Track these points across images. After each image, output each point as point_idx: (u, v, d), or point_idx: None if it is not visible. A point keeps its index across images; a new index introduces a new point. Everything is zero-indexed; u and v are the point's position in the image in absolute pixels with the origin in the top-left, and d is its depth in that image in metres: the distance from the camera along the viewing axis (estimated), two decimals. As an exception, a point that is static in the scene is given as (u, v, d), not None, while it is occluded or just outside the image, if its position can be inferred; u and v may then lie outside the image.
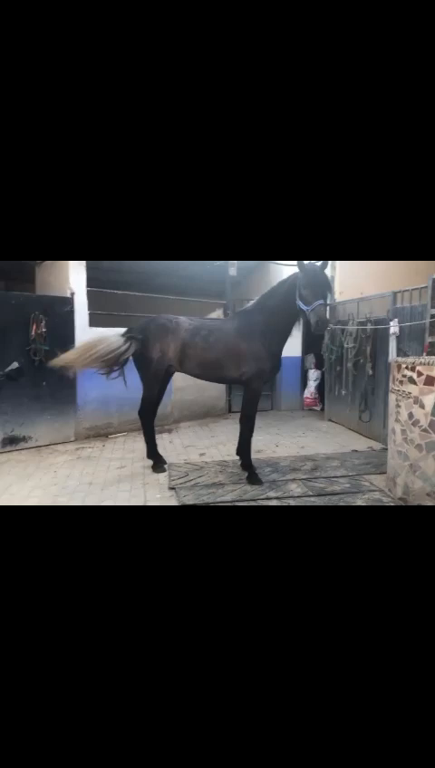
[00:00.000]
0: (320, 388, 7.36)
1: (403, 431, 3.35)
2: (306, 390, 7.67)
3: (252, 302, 4.02)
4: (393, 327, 4.66)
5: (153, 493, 3.71)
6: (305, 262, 3.62)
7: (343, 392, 5.90)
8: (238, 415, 7.21)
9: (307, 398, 7.63)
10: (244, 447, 4.00)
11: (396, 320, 4.69)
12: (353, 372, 5.61)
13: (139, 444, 5.34)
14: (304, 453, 4.91)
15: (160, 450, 4.90)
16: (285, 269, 7.46)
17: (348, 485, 3.77)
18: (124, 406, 5.80)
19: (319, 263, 3.62)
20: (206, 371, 3.97)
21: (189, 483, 3.86)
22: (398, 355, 4.66)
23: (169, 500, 3.53)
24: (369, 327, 5.16)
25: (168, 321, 4.02)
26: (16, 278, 7.69)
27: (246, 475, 3.89)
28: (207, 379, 4.14)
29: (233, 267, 6.99)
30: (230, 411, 7.57)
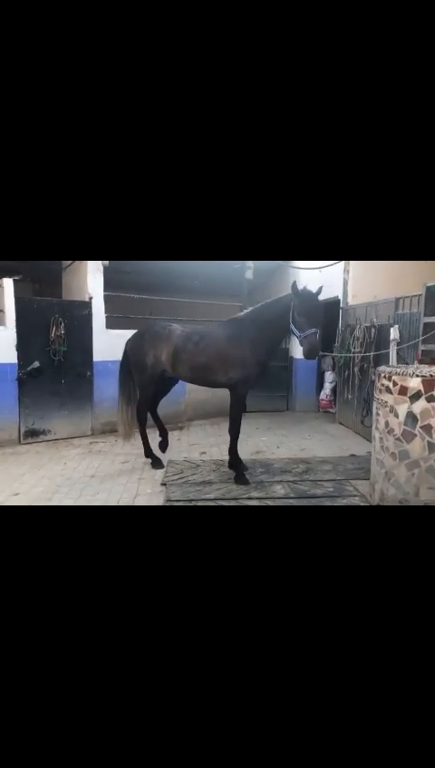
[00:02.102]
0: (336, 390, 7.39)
1: (381, 439, 3.42)
2: (322, 392, 7.70)
3: (245, 312, 4.18)
4: (393, 333, 4.66)
5: (145, 488, 3.99)
6: (300, 287, 3.73)
7: (349, 396, 5.93)
8: (252, 415, 7.46)
9: (323, 400, 7.66)
10: (231, 448, 4.18)
11: (396, 326, 4.69)
12: (359, 377, 5.63)
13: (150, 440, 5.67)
14: (302, 455, 5.02)
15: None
16: (302, 273, 7.52)
17: (332, 489, 3.87)
18: (138, 404, 6.16)
19: (315, 289, 3.73)
20: (196, 375, 4.19)
21: (181, 480, 4.11)
22: (398, 362, 4.66)
23: (158, 495, 3.80)
24: (372, 329, 5.17)
25: (161, 329, 4.31)
26: (47, 282, 8.24)
27: (234, 474, 4.09)
28: (197, 383, 4.36)
29: (249, 270, 7.13)
30: (245, 411, 7.75)
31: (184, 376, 4.29)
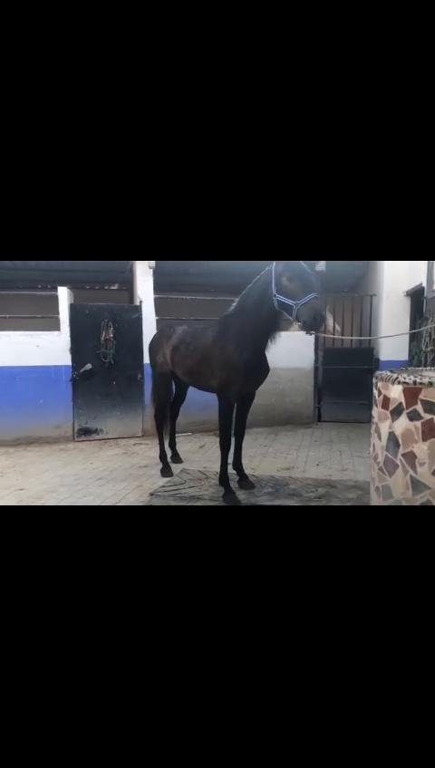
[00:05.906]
0: None
1: (371, 467, 2.56)
2: (415, 402, 6.34)
3: (232, 306, 3.64)
4: (455, 326, 3.51)
5: (134, 496, 3.80)
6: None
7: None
8: (325, 425, 6.61)
9: (415, 411, 6.30)
10: (221, 462, 3.67)
11: (461, 316, 3.51)
12: (431, 383, 4.42)
13: (187, 445, 5.47)
14: (338, 476, 4.17)
15: (201, 453, 4.98)
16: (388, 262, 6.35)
17: (329, 524, 3.07)
18: (190, 407, 5.97)
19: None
20: (190, 379, 3.90)
21: (173, 492, 3.80)
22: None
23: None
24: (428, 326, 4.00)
25: (167, 328, 4.16)
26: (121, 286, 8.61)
27: (223, 492, 3.59)
28: (196, 387, 4.01)
29: (320, 263, 6.32)
30: (320, 420, 6.91)
31: (182, 379, 4.04)
